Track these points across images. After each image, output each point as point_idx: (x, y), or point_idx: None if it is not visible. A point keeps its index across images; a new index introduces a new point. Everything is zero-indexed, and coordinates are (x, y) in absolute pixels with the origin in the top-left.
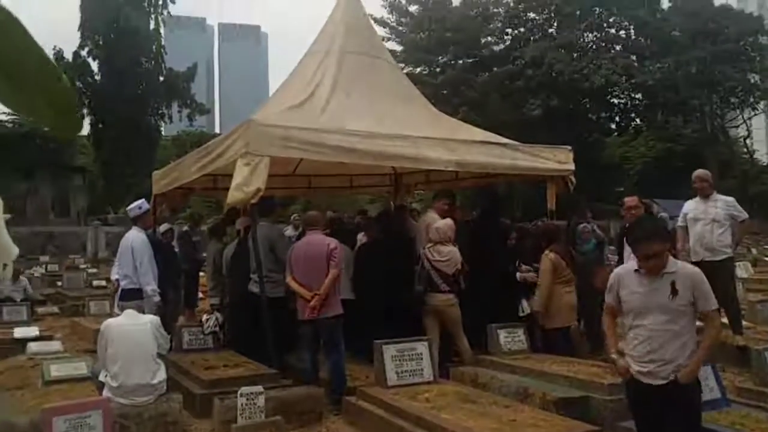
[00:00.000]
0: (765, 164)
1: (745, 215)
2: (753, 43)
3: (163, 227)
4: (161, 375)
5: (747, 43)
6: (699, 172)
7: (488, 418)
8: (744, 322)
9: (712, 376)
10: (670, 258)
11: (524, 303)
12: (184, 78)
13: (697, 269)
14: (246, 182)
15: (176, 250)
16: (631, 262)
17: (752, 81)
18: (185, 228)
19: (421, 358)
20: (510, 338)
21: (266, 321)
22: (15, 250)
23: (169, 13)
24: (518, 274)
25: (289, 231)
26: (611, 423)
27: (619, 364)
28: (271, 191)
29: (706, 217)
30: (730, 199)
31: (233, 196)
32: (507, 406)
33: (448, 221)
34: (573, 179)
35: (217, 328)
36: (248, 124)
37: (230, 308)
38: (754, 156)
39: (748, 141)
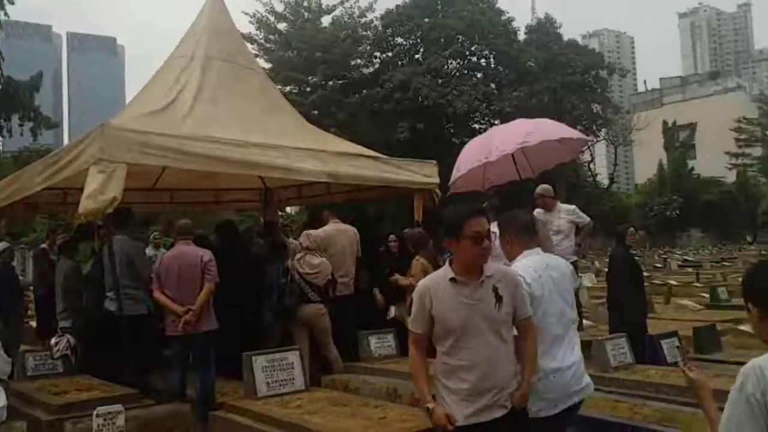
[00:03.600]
0: (606, 186)
1: (586, 220)
2: (595, 76)
3: (0, 246)
4: (0, 401)
5: (590, 76)
6: (539, 188)
7: (359, 419)
8: (587, 322)
9: None
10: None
11: (392, 308)
12: (27, 88)
13: (512, 270)
14: (101, 190)
15: (20, 274)
16: (441, 271)
17: (595, 110)
18: (42, 246)
19: (293, 368)
20: (380, 344)
21: (126, 340)
22: None
23: (6, 14)
24: (394, 277)
25: (149, 250)
26: None
27: (438, 412)
28: (129, 206)
29: (551, 228)
30: (571, 207)
31: (86, 205)
32: (377, 406)
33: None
34: (438, 192)
35: (68, 351)
36: (102, 129)
37: (84, 328)
38: (597, 179)
39: (591, 165)
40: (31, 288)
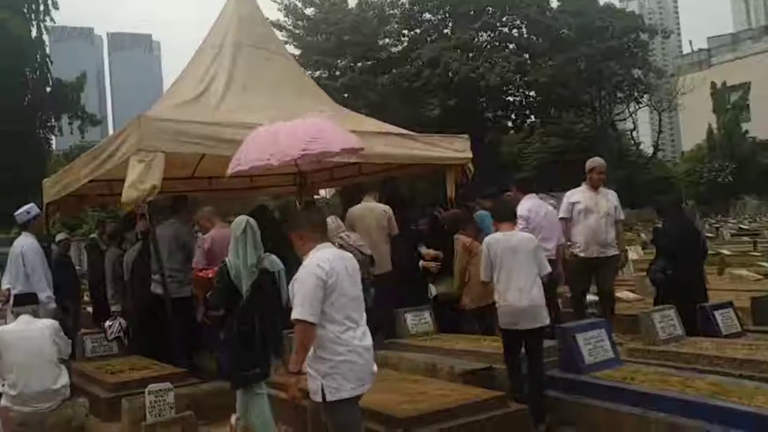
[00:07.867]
0: (650, 155)
1: (622, 216)
2: (635, 40)
3: (59, 237)
4: (63, 379)
5: (630, 40)
6: (599, 161)
7: (398, 393)
8: (633, 295)
9: (606, 337)
10: None
11: (431, 287)
12: (73, 88)
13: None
14: (141, 179)
15: (77, 264)
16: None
17: (636, 76)
18: (93, 236)
19: None
20: (417, 321)
21: (172, 322)
22: None
23: (52, 20)
24: (420, 263)
25: None
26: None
27: None
28: (170, 193)
29: (599, 210)
30: (615, 193)
31: (128, 194)
32: (416, 381)
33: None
34: (471, 167)
35: (121, 334)
36: (139, 120)
37: (134, 312)
38: (640, 147)
39: (634, 133)
40: (86, 276)
